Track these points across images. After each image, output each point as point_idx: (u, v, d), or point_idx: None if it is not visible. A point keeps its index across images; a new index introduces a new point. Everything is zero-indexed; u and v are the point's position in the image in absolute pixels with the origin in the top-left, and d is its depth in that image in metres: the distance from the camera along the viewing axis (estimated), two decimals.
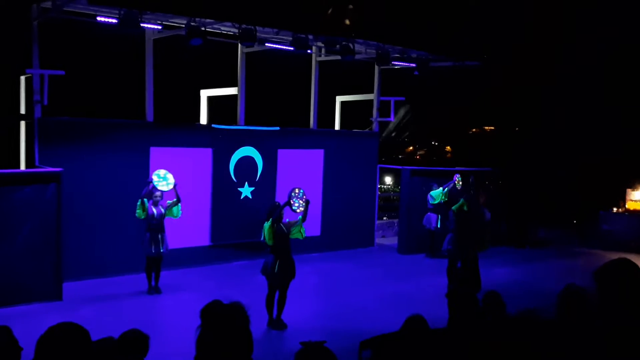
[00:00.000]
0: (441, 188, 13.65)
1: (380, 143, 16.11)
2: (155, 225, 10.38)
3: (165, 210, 10.45)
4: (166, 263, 11.44)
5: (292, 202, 8.99)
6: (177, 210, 10.52)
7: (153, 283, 10.65)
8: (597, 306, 3.82)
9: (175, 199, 10.46)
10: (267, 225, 8.85)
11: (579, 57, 20.59)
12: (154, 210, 10.33)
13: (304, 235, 9.20)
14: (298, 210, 9.03)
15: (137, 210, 10.28)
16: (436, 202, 13.74)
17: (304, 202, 9.09)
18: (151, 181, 10.28)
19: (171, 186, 10.36)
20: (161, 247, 10.45)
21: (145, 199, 10.21)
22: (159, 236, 10.42)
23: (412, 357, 3.42)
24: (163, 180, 10.33)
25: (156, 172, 10.44)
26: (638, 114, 20.39)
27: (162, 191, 10.33)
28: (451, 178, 13.34)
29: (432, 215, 14.03)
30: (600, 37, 19.95)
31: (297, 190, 9.12)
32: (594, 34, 20.10)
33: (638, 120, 20.40)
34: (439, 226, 13.76)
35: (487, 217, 11.51)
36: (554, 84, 21.42)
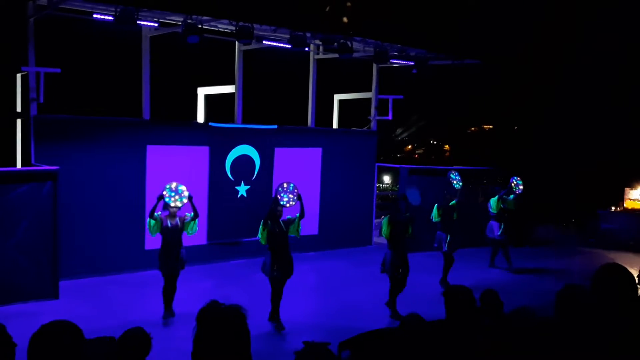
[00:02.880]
0: (496, 196, 12.99)
1: (379, 141, 16.07)
2: (171, 240, 9.01)
3: (182, 225, 9.09)
4: None
5: (279, 197, 8.88)
6: (194, 225, 9.17)
7: None
8: (595, 306, 3.79)
9: (192, 213, 9.11)
10: (261, 223, 8.85)
11: (580, 56, 20.59)
12: (169, 222, 9.01)
13: (299, 234, 9.11)
14: (287, 205, 8.89)
15: (149, 228, 9.04)
16: (495, 210, 12.99)
17: (294, 196, 8.93)
18: (163, 197, 8.91)
19: (185, 200, 8.97)
20: (178, 265, 9.10)
21: (155, 214, 8.93)
22: (175, 252, 9.05)
23: (393, 356, 3.39)
24: (175, 194, 8.92)
25: (167, 186, 9.00)
26: (636, 113, 20.40)
27: (177, 207, 8.97)
28: (464, 179, 12.56)
29: (494, 224, 13.06)
30: (602, 38, 19.96)
31: (285, 185, 8.99)
32: (596, 34, 20.10)
33: (636, 120, 20.41)
34: (500, 234, 12.95)
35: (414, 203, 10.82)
36: (554, 82, 21.42)
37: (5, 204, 9.49)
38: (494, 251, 13.43)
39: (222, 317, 2.65)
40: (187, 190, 9.03)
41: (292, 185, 9.02)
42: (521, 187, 13.04)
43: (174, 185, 8.98)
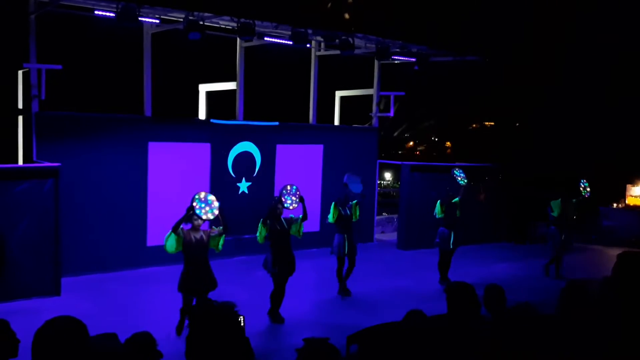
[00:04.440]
0: (558, 199, 12.31)
1: (380, 138, 16.06)
2: (197, 257, 7.96)
3: (207, 239, 8.07)
4: (165, 259, 11.39)
5: (283, 200, 8.87)
6: (221, 240, 8.15)
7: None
8: (598, 302, 3.79)
9: (222, 227, 8.10)
10: (260, 222, 8.87)
11: (580, 55, 20.56)
12: (193, 237, 7.96)
13: (301, 234, 9.18)
14: (291, 207, 8.89)
15: (167, 243, 7.91)
16: (556, 214, 12.22)
17: (297, 198, 8.96)
18: (193, 209, 7.81)
19: (216, 212, 7.88)
20: (208, 285, 8.04)
21: (180, 228, 7.88)
22: (203, 270, 8.01)
23: (401, 350, 3.39)
24: (205, 205, 7.84)
25: (195, 196, 7.88)
26: (638, 111, 20.37)
27: (208, 220, 7.94)
28: (466, 176, 12.26)
29: (555, 231, 12.31)
30: (601, 40, 19.95)
31: (288, 187, 8.98)
32: (596, 36, 20.09)
33: (638, 117, 20.39)
34: (563, 241, 12.24)
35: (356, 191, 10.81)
36: (555, 80, 21.39)
37: (7, 201, 9.49)
38: (555, 258, 12.44)
39: (214, 315, 2.63)
40: (217, 200, 7.98)
41: (295, 187, 9.02)
42: (589, 189, 12.51)
43: (202, 195, 7.90)
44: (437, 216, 11.40)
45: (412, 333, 3.79)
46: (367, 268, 12.84)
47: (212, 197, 7.95)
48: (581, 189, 12.55)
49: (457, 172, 11.77)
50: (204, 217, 7.80)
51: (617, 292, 3.50)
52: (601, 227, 17.08)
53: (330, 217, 10.40)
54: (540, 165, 18.19)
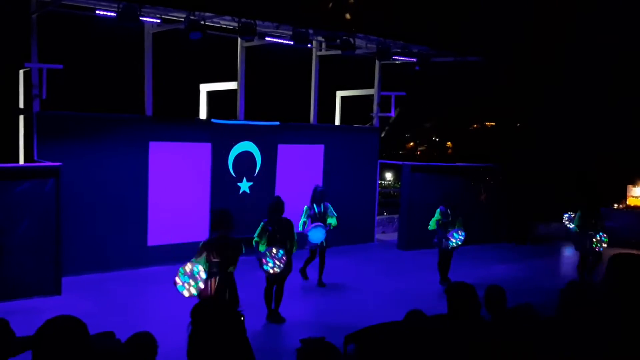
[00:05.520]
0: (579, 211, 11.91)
1: (381, 138, 16.06)
2: (225, 280, 7.49)
3: (230, 263, 7.58)
4: (166, 259, 11.43)
5: (264, 262, 8.53)
6: (234, 263, 7.69)
7: None
8: (599, 303, 3.79)
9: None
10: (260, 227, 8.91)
11: (581, 55, 20.56)
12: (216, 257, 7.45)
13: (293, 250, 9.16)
14: (271, 271, 8.54)
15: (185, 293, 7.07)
16: (576, 228, 11.91)
17: (281, 263, 8.53)
18: (176, 283, 6.93)
19: (202, 285, 7.00)
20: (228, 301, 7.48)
21: (189, 270, 6.94)
22: (227, 284, 7.58)
23: (400, 350, 3.40)
24: (191, 278, 6.94)
25: (180, 269, 6.97)
26: (637, 112, 20.37)
27: (191, 295, 7.00)
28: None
29: (580, 233, 11.83)
30: (601, 40, 19.94)
31: (274, 250, 8.60)
32: (596, 36, 20.09)
33: (638, 118, 20.39)
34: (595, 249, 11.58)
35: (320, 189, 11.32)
36: (556, 80, 21.38)
37: (8, 200, 9.50)
38: (589, 265, 11.95)
39: (216, 315, 2.64)
40: (204, 271, 7.09)
41: (281, 251, 8.62)
42: (604, 244, 11.45)
43: (188, 267, 6.93)
44: (430, 228, 11.34)
45: (412, 333, 3.80)
46: (367, 268, 12.86)
47: (198, 268, 6.98)
48: (595, 240, 11.45)
49: (456, 234, 11.12)
50: (186, 294, 6.92)
51: (615, 294, 3.50)
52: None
53: (304, 217, 11.10)
54: (541, 166, 18.14)
